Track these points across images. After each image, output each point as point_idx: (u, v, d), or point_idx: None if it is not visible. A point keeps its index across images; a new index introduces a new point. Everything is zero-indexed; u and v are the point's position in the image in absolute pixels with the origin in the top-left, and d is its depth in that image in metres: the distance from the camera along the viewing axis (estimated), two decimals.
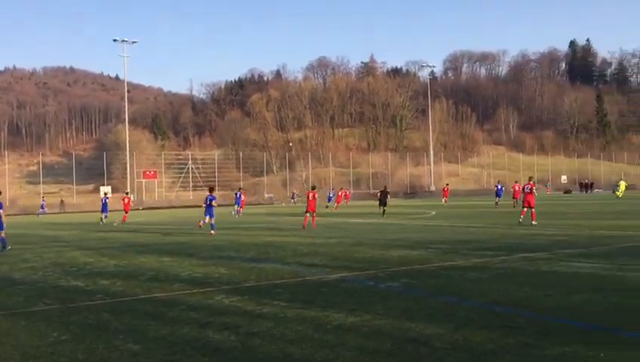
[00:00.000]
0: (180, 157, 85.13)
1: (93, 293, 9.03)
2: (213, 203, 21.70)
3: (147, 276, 10.75)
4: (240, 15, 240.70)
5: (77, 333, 6.44)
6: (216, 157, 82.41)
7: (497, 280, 9.28)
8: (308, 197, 24.05)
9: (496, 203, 40.63)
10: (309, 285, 9.35)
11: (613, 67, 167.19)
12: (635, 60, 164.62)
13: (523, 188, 23.48)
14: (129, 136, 69.09)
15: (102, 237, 21.40)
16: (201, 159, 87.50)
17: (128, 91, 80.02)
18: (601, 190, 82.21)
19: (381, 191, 33.49)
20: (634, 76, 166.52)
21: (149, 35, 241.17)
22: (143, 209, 58.78)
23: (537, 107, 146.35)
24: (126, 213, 33.18)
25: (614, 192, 65.92)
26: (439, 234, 18.63)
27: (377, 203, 32.98)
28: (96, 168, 76.58)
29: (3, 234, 16.70)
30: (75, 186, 72.56)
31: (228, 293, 8.63)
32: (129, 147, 67.01)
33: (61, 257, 14.69)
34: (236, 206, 37.11)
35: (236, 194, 38.25)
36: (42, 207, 53.32)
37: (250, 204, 65.68)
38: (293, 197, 66.90)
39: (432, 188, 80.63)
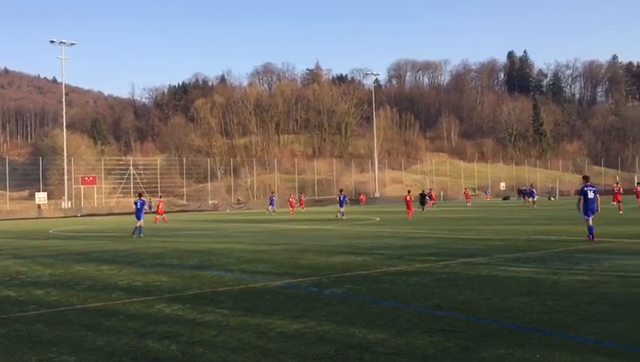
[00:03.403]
0: (121, 162, 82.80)
1: (25, 304, 8.66)
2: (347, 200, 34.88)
3: (84, 285, 10.40)
4: (185, 19, 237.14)
5: (7, 346, 6.16)
6: (158, 162, 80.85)
7: (439, 284, 9.44)
8: (410, 199, 34.72)
9: (533, 202, 48.59)
10: (252, 292, 9.26)
11: (548, 78, 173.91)
12: (569, 72, 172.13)
13: (613, 190, 35.19)
14: (67, 141, 66.83)
15: (37, 246, 20.59)
16: (143, 165, 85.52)
17: (66, 94, 77.57)
18: (538, 196, 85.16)
19: (421, 194, 46.28)
20: (568, 87, 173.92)
21: (89, 37, 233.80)
22: (81, 216, 56.99)
23: (478, 115, 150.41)
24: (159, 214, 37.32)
25: (549, 198, 69.22)
26: (383, 239, 18.84)
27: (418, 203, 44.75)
28: (32, 174, 73.69)
29: (142, 223, 23.43)
30: (8, 192, 69.58)
31: (169, 302, 8.44)
32: (67, 152, 64.85)
33: None
34: (271, 206, 48.23)
35: (271, 197, 50.58)
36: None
37: (193, 210, 64.73)
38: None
39: (377, 194, 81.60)
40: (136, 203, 24.22)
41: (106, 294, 9.33)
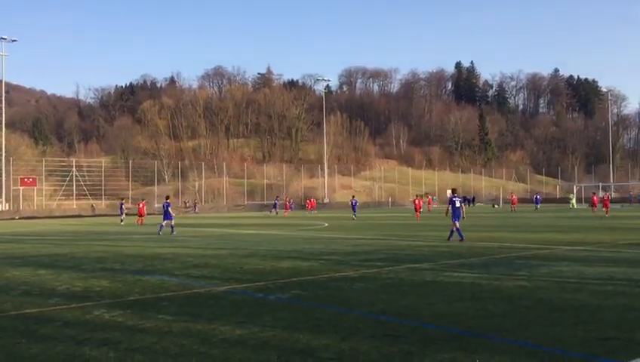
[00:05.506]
0: (63, 163, 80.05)
1: None
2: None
3: (19, 290, 9.99)
4: (133, 18, 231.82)
5: None
6: (103, 164, 78.74)
7: (384, 290, 9.52)
8: (418, 203, 41.50)
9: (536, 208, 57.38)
10: (196, 298, 9.11)
11: (494, 89, 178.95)
12: (513, 83, 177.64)
13: (603, 198, 44.69)
14: (6, 140, 64.35)
15: None
16: (87, 166, 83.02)
17: (7, 92, 74.71)
18: (482, 203, 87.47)
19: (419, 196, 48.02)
20: (512, 98, 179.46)
21: (32, 34, 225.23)
22: (19, 218, 54.93)
23: (426, 124, 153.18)
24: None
25: (493, 206, 71.89)
26: (331, 245, 18.89)
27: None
28: None
29: (173, 223, 26.20)
30: None
31: (109, 308, 8.20)
32: (5, 151, 62.41)
33: None
34: (274, 209, 55.52)
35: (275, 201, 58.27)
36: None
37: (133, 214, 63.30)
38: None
39: (326, 200, 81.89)
40: (164, 205, 27.62)
41: (43, 300, 8.99)
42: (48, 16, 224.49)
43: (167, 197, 28.91)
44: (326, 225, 33.46)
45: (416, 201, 42.13)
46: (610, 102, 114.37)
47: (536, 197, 63.55)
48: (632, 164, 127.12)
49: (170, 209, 26.79)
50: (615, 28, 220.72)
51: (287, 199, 61.74)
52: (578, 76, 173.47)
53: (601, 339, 6.08)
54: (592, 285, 9.80)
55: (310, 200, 68.88)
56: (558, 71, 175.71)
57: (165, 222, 26.32)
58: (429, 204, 62.21)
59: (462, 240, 18.87)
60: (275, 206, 56.54)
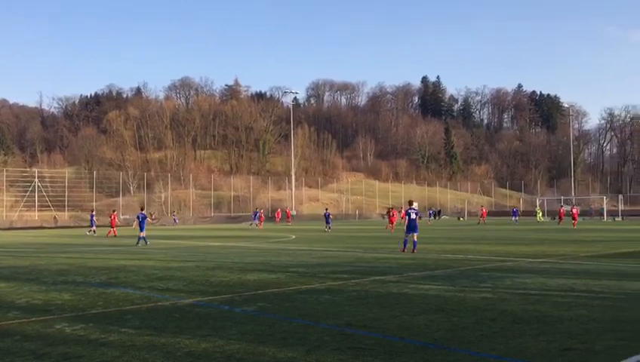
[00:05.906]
0: (25, 174, 78.17)
1: None
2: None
3: None
4: (99, 27, 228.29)
5: None
6: (66, 175, 77.16)
7: (350, 302, 9.54)
8: (393, 214, 42.79)
9: (516, 220, 57.73)
10: (161, 311, 8.97)
11: (459, 103, 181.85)
12: (478, 98, 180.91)
13: (571, 210, 49.21)
14: None
15: None
16: (50, 177, 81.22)
17: None
18: (448, 216, 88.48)
19: (388, 210, 47.93)
20: (477, 112, 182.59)
21: None
22: None
23: (393, 137, 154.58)
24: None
25: (459, 219, 73.08)
26: (298, 257, 18.85)
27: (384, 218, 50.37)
28: None
29: (144, 234, 26.37)
30: None
31: (70, 321, 8.02)
32: None
33: None
34: (256, 221, 54.41)
35: (255, 213, 57.10)
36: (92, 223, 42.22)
37: (104, 226, 62.17)
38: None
39: (293, 212, 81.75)
40: (138, 216, 27.64)
41: (2, 313, 8.74)
42: (11, 24, 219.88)
43: (142, 208, 29.20)
44: (293, 237, 33.39)
45: (394, 213, 43.12)
46: (571, 117, 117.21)
47: (513, 210, 63.42)
48: (592, 178, 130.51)
49: (144, 220, 27.07)
50: (576, 45, 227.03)
51: (261, 211, 61.24)
52: (541, 92, 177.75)
53: (562, 350, 6.21)
54: (554, 296, 10.00)
55: (287, 211, 68.12)
56: (522, 86, 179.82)
57: (142, 233, 26.46)
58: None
59: (403, 250, 19.64)
60: (254, 217, 56.36)
